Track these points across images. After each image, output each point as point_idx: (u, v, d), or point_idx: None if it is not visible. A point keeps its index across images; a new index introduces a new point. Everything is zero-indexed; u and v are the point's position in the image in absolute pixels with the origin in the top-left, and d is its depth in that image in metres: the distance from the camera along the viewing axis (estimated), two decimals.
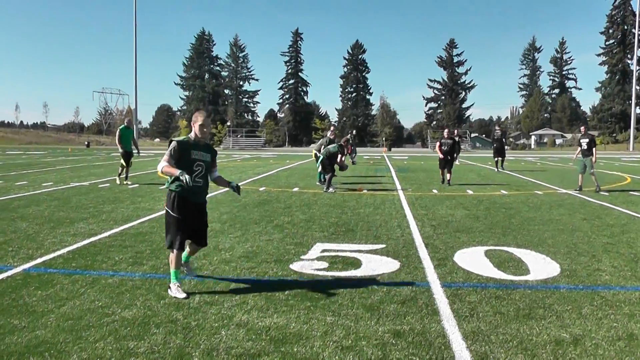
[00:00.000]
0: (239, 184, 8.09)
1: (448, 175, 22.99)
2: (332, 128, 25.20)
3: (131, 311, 6.75)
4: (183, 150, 7.63)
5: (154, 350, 5.55)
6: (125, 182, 22.72)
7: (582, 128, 22.69)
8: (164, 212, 7.88)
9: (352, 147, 44.16)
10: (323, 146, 22.08)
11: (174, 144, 7.68)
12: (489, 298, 7.38)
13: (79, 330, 6.10)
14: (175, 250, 7.58)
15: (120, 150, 22.92)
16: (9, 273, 8.55)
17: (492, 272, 8.78)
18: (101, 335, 5.97)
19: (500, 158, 34.69)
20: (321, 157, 21.51)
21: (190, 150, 7.69)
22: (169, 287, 7.51)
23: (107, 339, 5.86)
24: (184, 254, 8.19)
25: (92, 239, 11.27)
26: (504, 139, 36.05)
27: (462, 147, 44.37)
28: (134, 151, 23.37)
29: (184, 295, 7.31)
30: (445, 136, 23.32)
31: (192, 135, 7.87)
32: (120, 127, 23.29)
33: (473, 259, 9.62)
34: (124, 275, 8.44)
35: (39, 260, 9.38)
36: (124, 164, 22.92)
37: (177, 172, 7.32)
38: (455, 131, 48.85)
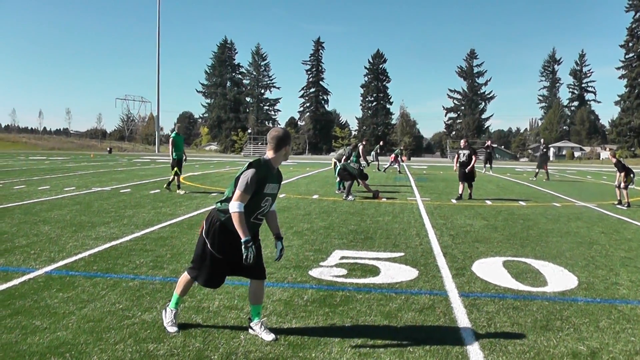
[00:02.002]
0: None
1: (469, 189, 22.54)
2: (364, 142, 25.12)
3: (151, 314, 6.82)
4: (260, 182, 6.07)
5: (174, 353, 5.59)
6: (178, 191, 22.11)
7: (462, 142, 22.82)
8: (200, 233, 6.48)
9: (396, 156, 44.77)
10: (344, 157, 22.18)
11: (252, 173, 6.02)
12: (507, 309, 7.37)
13: (100, 332, 6.17)
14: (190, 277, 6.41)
15: (174, 157, 22.39)
16: (31, 275, 8.65)
17: (510, 282, 8.76)
18: (121, 337, 6.03)
19: (543, 170, 35.74)
20: (339, 167, 21.60)
21: (267, 182, 6.16)
22: (164, 310, 6.53)
23: (127, 341, 5.92)
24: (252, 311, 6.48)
25: (113, 242, 11.37)
26: (547, 152, 36.59)
27: (492, 157, 43.99)
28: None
29: (175, 329, 6.26)
30: (462, 146, 23.16)
31: (270, 160, 6.31)
32: (173, 135, 22.76)
33: (491, 269, 9.61)
34: (145, 279, 8.53)
35: (61, 263, 9.48)
36: (178, 171, 22.46)
37: (245, 236, 5.95)
38: (488, 142, 48.75)
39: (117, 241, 11.52)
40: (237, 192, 5.93)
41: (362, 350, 5.82)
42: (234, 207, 5.89)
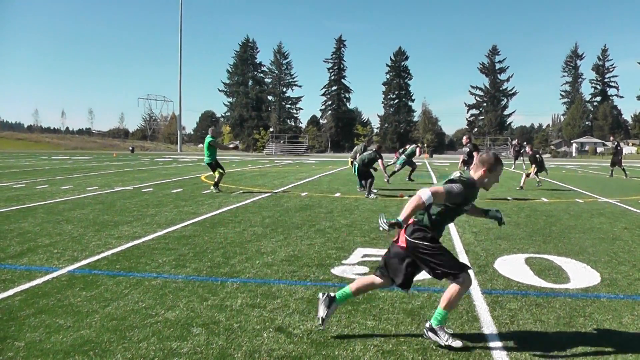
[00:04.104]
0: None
1: None
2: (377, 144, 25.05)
3: (174, 312, 6.82)
4: (463, 202, 6.00)
5: (197, 351, 5.60)
6: (216, 191, 21.94)
7: (464, 138, 22.61)
8: (418, 246, 6.03)
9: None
10: (358, 154, 22.18)
11: (460, 188, 5.85)
12: (530, 306, 7.31)
13: (123, 331, 6.18)
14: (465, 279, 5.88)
15: (211, 160, 22.38)
16: (55, 274, 8.68)
17: (533, 279, 8.69)
18: (145, 335, 6.04)
19: (617, 167, 35.69)
20: (357, 164, 21.59)
21: (469, 202, 6.14)
22: (433, 331, 5.96)
23: (150, 339, 5.93)
24: (343, 294, 6.35)
25: (136, 241, 11.40)
26: (619, 148, 36.59)
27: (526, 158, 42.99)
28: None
29: (460, 344, 5.80)
30: (464, 143, 22.84)
31: (478, 180, 6.18)
32: (209, 140, 22.67)
33: (513, 267, 9.53)
34: (167, 277, 8.54)
35: (84, 262, 9.51)
36: (222, 171, 22.48)
37: (403, 217, 5.74)
38: (525, 143, 48.60)
39: (140, 240, 11.56)
40: (439, 188, 5.77)
41: (385, 347, 5.79)
42: (425, 194, 5.67)
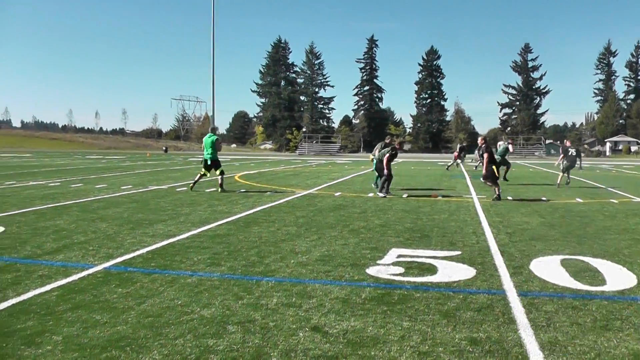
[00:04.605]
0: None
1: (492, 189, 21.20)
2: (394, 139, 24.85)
3: (210, 310, 6.81)
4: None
5: (233, 349, 5.60)
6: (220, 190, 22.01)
7: (479, 140, 22.27)
8: None
9: (459, 154, 44.86)
10: (378, 150, 22.12)
11: None
12: (565, 308, 7.20)
13: (159, 327, 6.19)
14: None
15: (216, 157, 22.54)
16: (90, 271, 8.76)
17: (568, 281, 8.58)
18: (181, 332, 6.05)
19: None
20: (375, 161, 21.51)
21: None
22: None
23: (186, 336, 5.94)
24: None
25: (171, 240, 11.45)
26: None
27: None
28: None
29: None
30: (479, 143, 22.62)
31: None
32: (214, 137, 22.69)
33: (549, 268, 9.42)
34: (202, 275, 8.54)
35: (119, 260, 9.58)
36: (222, 171, 22.60)
37: None
38: (568, 142, 48.32)
39: (174, 238, 11.61)
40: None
41: (421, 349, 5.75)
42: None
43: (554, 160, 48.77)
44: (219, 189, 22.12)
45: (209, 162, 22.37)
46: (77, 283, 8.06)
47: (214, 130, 23.80)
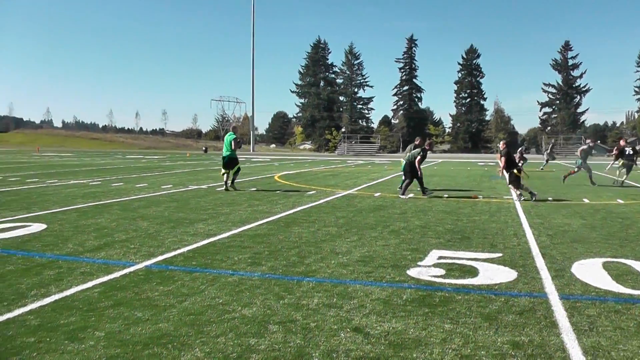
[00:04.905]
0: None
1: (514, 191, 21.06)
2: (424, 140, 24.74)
3: (251, 309, 6.82)
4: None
5: (275, 349, 5.59)
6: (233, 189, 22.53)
7: (501, 144, 21.91)
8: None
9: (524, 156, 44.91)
10: (407, 152, 22.09)
11: None
12: (608, 312, 7.08)
13: (201, 325, 6.22)
14: None
15: (234, 155, 23.04)
16: (132, 269, 8.84)
17: (611, 285, 8.44)
18: (222, 330, 6.06)
19: None
20: (404, 163, 21.39)
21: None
22: None
23: (228, 334, 5.94)
24: None
25: (211, 239, 11.50)
26: None
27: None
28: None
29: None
30: (501, 147, 22.44)
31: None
32: (233, 136, 23.18)
33: (590, 271, 9.28)
34: (243, 275, 8.56)
35: (160, 258, 9.66)
36: (238, 169, 23.19)
37: None
38: (623, 142, 47.97)
39: (215, 238, 11.66)
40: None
41: (463, 352, 5.69)
42: None
43: (596, 160, 48.32)
44: (230, 184, 22.70)
45: (226, 160, 22.81)
46: (118, 280, 8.15)
47: (235, 129, 24.54)
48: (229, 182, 22.74)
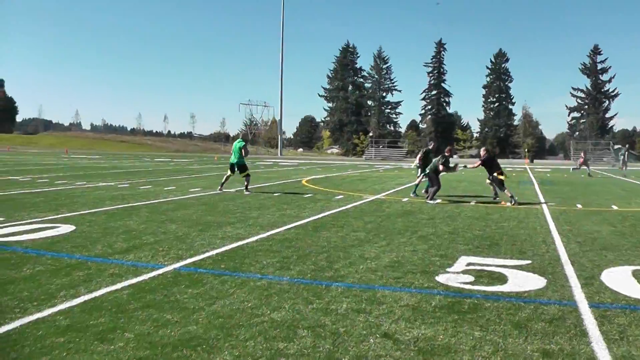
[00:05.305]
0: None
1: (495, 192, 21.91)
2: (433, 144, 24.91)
3: (280, 313, 6.82)
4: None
5: (304, 353, 5.58)
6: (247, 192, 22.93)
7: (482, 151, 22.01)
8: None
9: (584, 159, 44.95)
10: (419, 158, 22.43)
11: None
12: (639, 321, 7.01)
13: (230, 329, 6.22)
14: None
15: (243, 162, 23.71)
16: (160, 271, 8.89)
17: None
18: (251, 334, 6.06)
19: None
20: (428, 170, 21.35)
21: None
22: None
23: (257, 338, 5.94)
24: None
25: (240, 242, 11.53)
26: None
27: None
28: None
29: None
30: (481, 154, 22.33)
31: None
32: (241, 144, 23.84)
33: (620, 279, 9.16)
34: (272, 279, 8.57)
35: (189, 261, 9.69)
36: (248, 175, 23.70)
37: None
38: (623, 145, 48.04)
39: (244, 241, 11.68)
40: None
41: (493, 359, 5.69)
42: None
43: (631, 166, 48.06)
44: (245, 190, 23.05)
45: (235, 167, 23.40)
46: (147, 282, 8.19)
47: (244, 136, 25.34)
48: (225, 184, 23.77)
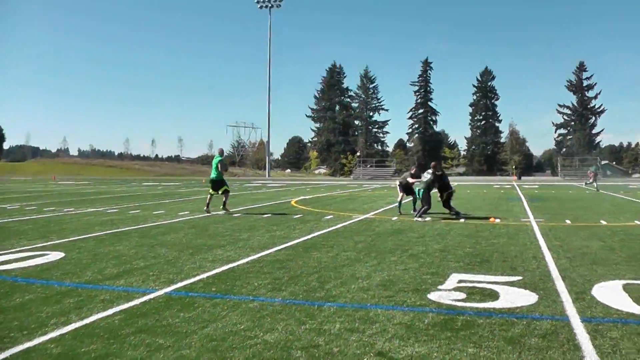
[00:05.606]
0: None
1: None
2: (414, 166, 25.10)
3: (273, 335, 6.80)
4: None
5: None
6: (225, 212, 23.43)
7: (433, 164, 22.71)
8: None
9: (595, 173, 45.68)
10: (407, 177, 22.77)
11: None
12: (631, 334, 7.01)
13: (223, 351, 6.19)
14: None
15: (221, 177, 24.25)
16: (152, 296, 8.85)
17: (632, 307, 8.35)
18: (245, 356, 6.02)
19: None
20: (422, 189, 21.46)
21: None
22: None
23: None
24: None
25: (230, 265, 11.50)
26: None
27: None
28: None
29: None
30: (432, 167, 22.53)
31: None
32: (219, 158, 24.47)
33: (611, 293, 9.19)
34: (264, 301, 8.54)
35: (180, 284, 9.65)
36: (228, 190, 24.22)
37: None
38: None
39: (234, 263, 11.66)
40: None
41: None
42: None
43: (612, 181, 48.54)
44: (221, 207, 23.70)
45: (214, 182, 24.02)
46: (139, 307, 8.15)
47: (221, 152, 25.39)
48: (210, 204, 24.06)
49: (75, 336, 6.78)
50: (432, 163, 23.13)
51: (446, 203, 22.26)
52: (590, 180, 48.04)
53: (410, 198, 23.61)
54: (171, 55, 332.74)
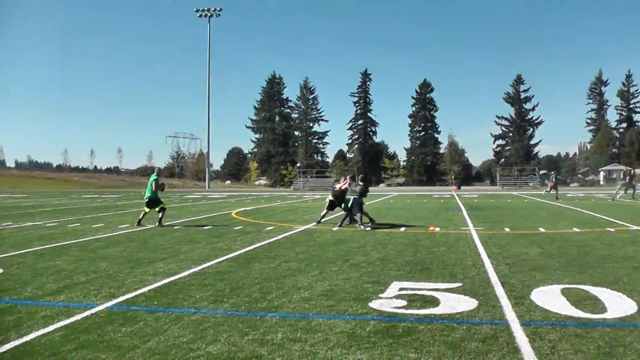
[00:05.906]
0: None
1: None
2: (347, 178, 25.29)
3: (216, 347, 6.81)
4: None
5: None
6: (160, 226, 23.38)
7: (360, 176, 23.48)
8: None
9: (555, 183, 46.40)
10: (345, 188, 22.95)
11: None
12: (569, 336, 7.23)
13: None
14: None
15: (155, 196, 24.32)
16: (93, 310, 8.76)
17: (570, 310, 8.60)
18: None
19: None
20: (355, 200, 21.72)
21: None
22: None
23: None
24: None
25: (172, 278, 11.45)
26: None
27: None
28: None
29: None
30: (360, 178, 23.11)
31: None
32: (155, 177, 24.64)
33: (550, 298, 9.43)
34: (206, 313, 8.54)
35: (122, 299, 9.58)
36: (163, 208, 24.19)
37: None
38: (627, 168, 49.58)
39: (176, 276, 11.60)
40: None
41: None
42: None
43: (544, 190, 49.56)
44: (157, 224, 23.48)
45: (149, 201, 24.05)
46: (80, 323, 8.07)
47: (158, 171, 25.78)
48: (143, 220, 24.01)
49: (15, 354, 6.71)
50: (360, 175, 23.59)
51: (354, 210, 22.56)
52: (549, 189, 49.19)
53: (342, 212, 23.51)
54: (110, 63, 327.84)
